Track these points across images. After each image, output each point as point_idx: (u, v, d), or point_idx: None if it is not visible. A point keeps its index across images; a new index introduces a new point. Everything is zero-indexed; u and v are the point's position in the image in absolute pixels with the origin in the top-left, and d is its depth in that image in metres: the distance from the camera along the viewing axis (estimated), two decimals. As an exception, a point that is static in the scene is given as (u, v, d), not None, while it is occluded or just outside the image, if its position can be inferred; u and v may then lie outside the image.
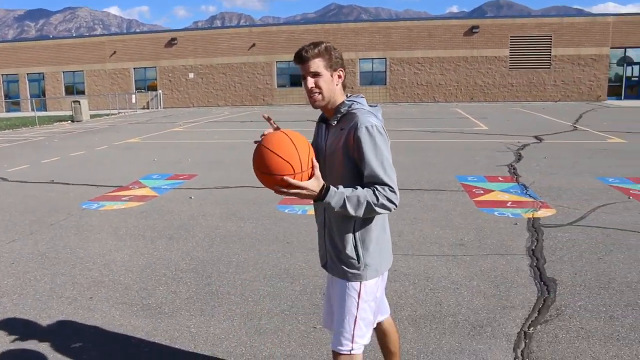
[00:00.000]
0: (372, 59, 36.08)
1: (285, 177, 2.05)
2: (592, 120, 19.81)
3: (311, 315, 3.95)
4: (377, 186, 2.16)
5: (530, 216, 6.62)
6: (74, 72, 39.22)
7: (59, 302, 4.32)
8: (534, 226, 6.17)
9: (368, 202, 2.13)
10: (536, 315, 3.91)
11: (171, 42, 37.00)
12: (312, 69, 2.26)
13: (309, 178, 2.10)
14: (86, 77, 38.88)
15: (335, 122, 2.32)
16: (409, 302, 4.15)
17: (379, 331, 2.78)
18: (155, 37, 38.24)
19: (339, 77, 2.32)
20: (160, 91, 36.95)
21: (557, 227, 6.10)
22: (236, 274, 4.81)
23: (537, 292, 4.30)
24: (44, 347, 3.56)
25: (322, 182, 2.13)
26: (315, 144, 2.47)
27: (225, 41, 36.66)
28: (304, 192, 2.09)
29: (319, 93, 2.28)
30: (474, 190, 8.17)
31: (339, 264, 2.36)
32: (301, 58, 2.27)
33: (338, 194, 2.12)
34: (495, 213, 6.79)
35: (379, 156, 2.17)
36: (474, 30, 34.27)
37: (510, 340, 3.55)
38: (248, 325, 3.80)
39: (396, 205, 2.19)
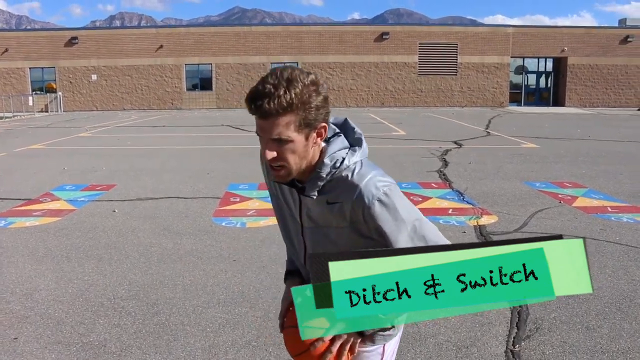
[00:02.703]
0: (284, 63, 35.80)
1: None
2: (501, 126, 20.67)
3: (282, 346, 3.53)
4: None
5: (475, 224, 6.58)
6: (-43, 71, 35.86)
7: (-25, 343, 3.64)
8: (483, 234, 6.12)
9: None
10: (516, 331, 3.76)
11: (72, 42, 34.75)
12: (275, 134, 1.45)
13: None
14: (-27, 77, 35.66)
15: (316, 194, 1.57)
16: (385, 324, 3.86)
17: None
18: (53, 35, 35.75)
19: (319, 135, 1.52)
20: (60, 93, 34.59)
21: (505, 235, 6.08)
22: (185, 300, 4.31)
23: (509, 306, 4.16)
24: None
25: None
26: (279, 207, 1.78)
27: (131, 42, 34.98)
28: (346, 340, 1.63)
29: (283, 168, 1.51)
30: (411, 197, 8.07)
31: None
32: (260, 111, 1.42)
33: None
34: (440, 221, 6.69)
35: (411, 229, 1.56)
36: (384, 37, 34.96)
37: (500, 361, 3.36)
38: (214, 362, 3.35)
39: None
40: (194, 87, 35.98)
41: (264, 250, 5.56)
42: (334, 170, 1.55)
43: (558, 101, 35.80)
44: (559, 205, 7.52)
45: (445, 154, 12.54)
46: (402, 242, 1.54)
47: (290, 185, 1.62)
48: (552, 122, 22.50)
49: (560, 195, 8.14)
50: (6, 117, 28.10)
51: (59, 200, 8.03)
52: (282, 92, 1.38)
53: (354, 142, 1.61)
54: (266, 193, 7.20)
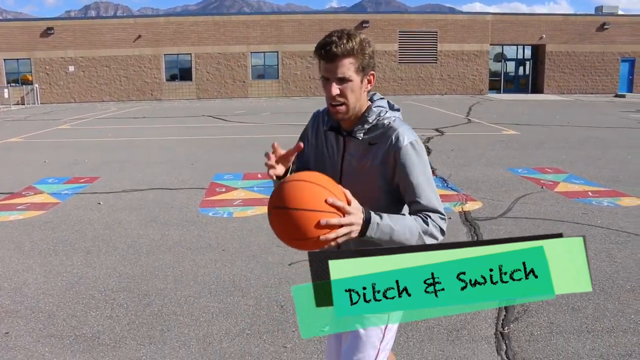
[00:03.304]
0: (264, 52, 35.61)
1: (326, 220, 1.59)
2: (482, 113, 20.85)
3: (276, 333, 3.60)
4: (428, 213, 1.80)
5: (460, 210, 6.67)
6: None
7: (-34, 338, 3.61)
8: (468, 220, 6.21)
9: (419, 234, 1.75)
10: (505, 313, 3.84)
11: (47, 32, 34.08)
12: (340, 73, 1.76)
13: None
14: (-54, 69, 34.86)
15: (362, 135, 1.89)
16: (376, 310, 3.92)
17: None
18: (28, 26, 35.03)
19: (369, 82, 1.87)
20: (36, 85, 33.99)
21: (490, 220, 6.18)
22: (177, 290, 4.32)
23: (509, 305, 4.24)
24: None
25: (361, 207, 1.68)
26: (321, 157, 2.01)
27: (109, 32, 34.43)
28: (354, 220, 1.63)
29: (343, 104, 1.81)
30: (396, 184, 8.14)
31: None
32: (328, 55, 1.74)
33: (382, 226, 1.69)
34: (426, 208, 6.76)
35: (429, 179, 1.84)
36: (364, 25, 34.88)
37: (490, 342, 3.44)
38: (209, 351, 3.37)
39: (444, 234, 1.83)
40: (173, 78, 35.58)
41: (252, 240, 5.58)
42: (378, 118, 1.87)
43: (537, 88, 36.16)
44: (541, 191, 7.65)
45: (428, 142, 12.63)
46: (425, 188, 1.81)
47: (338, 133, 1.94)
48: (531, 109, 22.75)
49: (542, 181, 8.27)
50: (-18, 110, 27.56)
51: (42, 193, 7.94)
52: (345, 41, 1.73)
53: (393, 107, 1.98)
54: (251, 183, 7.24)
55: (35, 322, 3.82)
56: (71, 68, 34.29)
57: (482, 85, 35.39)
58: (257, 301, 4.10)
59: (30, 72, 34.52)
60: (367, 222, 1.67)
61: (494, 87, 36.25)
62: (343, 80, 1.77)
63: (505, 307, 3.92)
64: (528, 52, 36.73)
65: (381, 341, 2.00)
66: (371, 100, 1.97)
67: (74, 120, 20.57)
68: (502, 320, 3.74)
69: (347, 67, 1.76)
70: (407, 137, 1.83)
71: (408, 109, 23.36)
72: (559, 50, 35.28)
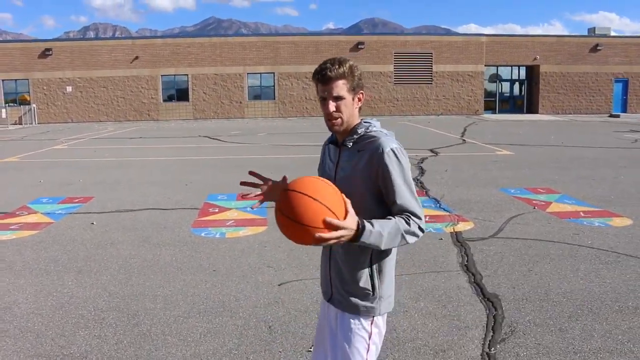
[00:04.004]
0: (261, 73, 35.86)
1: (328, 220, 1.83)
2: (477, 134, 20.98)
3: (263, 353, 3.60)
4: (408, 214, 2.03)
5: (452, 230, 6.70)
6: None
7: (-47, 359, 3.61)
8: (459, 240, 6.24)
9: (402, 234, 1.99)
10: (492, 334, 3.85)
11: (45, 53, 34.33)
12: (334, 92, 2.09)
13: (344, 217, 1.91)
14: (-56, 89, 34.99)
15: (351, 144, 2.16)
16: (364, 330, 3.93)
17: None
18: (26, 47, 35.28)
19: (359, 100, 2.18)
20: (34, 105, 34.12)
21: (481, 241, 6.21)
22: (166, 310, 4.33)
23: (485, 310, 4.27)
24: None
25: (356, 218, 1.93)
26: (325, 169, 2.31)
27: (106, 53, 34.68)
28: (345, 233, 1.88)
29: (339, 118, 2.13)
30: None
31: (349, 297, 2.15)
32: (324, 78, 2.09)
33: (375, 234, 1.93)
34: (418, 228, 6.79)
35: (408, 182, 2.07)
36: (359, 46, 35.22)
37: (476, 364, 3.45)
38: (196, 371, 3.38)
39: (424, 232, 2.07)
40: (170, 98, 35.76)
41: (243, 260, 5.59)
42: (366, 130, 2.14)
43: (532, 108, 36.41)
44: (533, 211, 7.69)
45: (422, 162, 12.70)
46: (404, 190, 2.03)
47: (335, 145, 2.24)
48: (526, 129, 22.91)
49: (534, 201, 8.32)
50: (-21, 130, 27.62)
51: (36, 213, 7.96)
52: (337, 66, 2.07)
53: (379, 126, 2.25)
54: (245, 203, 7.26)
55: (23, 342, 3.82)
56: (69, 88, 34.45)
57: (478, 106, 35.64)
58: (245, 321, 4.11)
59: (28, 92, 34.68)
60: (362, 230, 1.91)
61: (489, 107, 36.51)
62: (338, 99, 2.09)
63: (493, 328, 3.94)
64: (523, 73, 37.06)
65: (367, 350, 2.14)
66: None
67: (71, 140, 20.63)
68: (489, 340, 3.75)
69: (341, 87, 2.08)
70: (390, 144, 2.07)
71: (403, 129, 23.51)
72: (552, 70, 35.62)
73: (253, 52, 35.22)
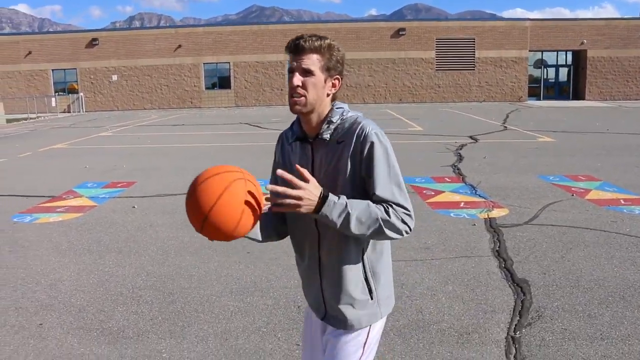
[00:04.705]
0: (302, 60, 35.95)
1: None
2: (519, 120, 20.59)
3: (291, 332, 3.72)
4: (391, 204, 1.78)
5: (486, 216, 6.66)
6: (-16, 73, 36.65)
7: (3, 331, 3.85)
8: (492, 226, 6.21)
9: (378, 222, 1.74)
10: (518, 318, 3.86)
11: (92, 43, 35.33)
12: (304, 64, 1.82)
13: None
14: (-2, 79, 36.44)
15: (329, 136, 1.88)
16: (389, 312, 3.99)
17: None
18: (74, 37, 36.38)
19: (333, 85, 1.90)
20: (81, 94, 35.22)
21: (515, 227, 6.16)
22: (200, 289, 4.50)
23: (513, 295, 4.27)
24: (-6, 385, 3.14)
25: (320, 187, 1.72)
26: (290, 172, 1.84)
27: (150, 42, 35.43)
28: (304, 195, 1.67)
29: (303, 96, 1.83)
30: (424, 191, 8.18)
31: (347, 311, 1.94)
32: (296, 47, 1.83)
33: (339, 205, 1.71)
34: (452, 214, 6.79)
35: (393, 171, 1.82)
36: (400, 33, 34.89)
37: (500, 345, 3.48)
38: (225, 347, 3.52)
39: (410, 230, 1.80)
40: (212, 86, 36.33)
41: (276, 243, 5.69)
42: (341, 117, 1.89)
43: (578, 95, 35.40)
44: (571, 198, 7.56)
45: (461, 149, 12.59)
46: (385, 179, 1.80)
47: (304, 141, 1.94)
48: (570, 116, 22.33)
49: (573, 188, 8.17)
50: (30, 118, 28.72)
51: (81, 197, 8.30)
52: (314, 39, 1.83)
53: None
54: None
55: (67, 316, 4.05)
56: (114, 77, 35.38)
57: (521, 92, 34.88)
58: (275, 301, 4.24)
59: (76, 81, 35.79)
60: (323, 199, 1.70)
61: (534, 93, 35.67)
62: (307, 73, 1.82)
63: (520, 313, 3.95)
64: (569, 58, 36.02)
65: (365, 340, 1.98)
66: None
67: (116, 128, 21.24)
68: (515, 325, 3.77)
69: (313, 61, 1.82)
70: (372, 130, 1.82)
71: (444, 116, 23.26)
72: (601, 55, 34.48)
73: (294, 40, 35.29)
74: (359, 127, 1.83)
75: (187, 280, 4.72)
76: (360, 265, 1.90)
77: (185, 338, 3.64)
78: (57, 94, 35.07)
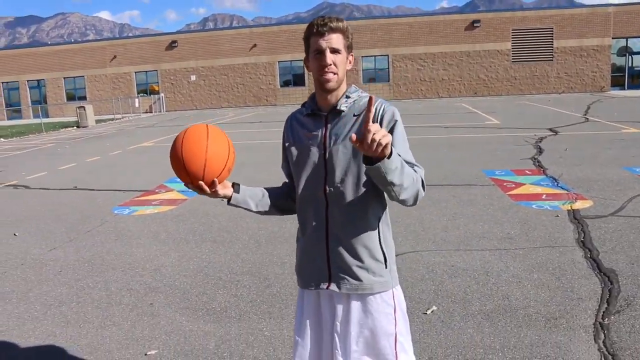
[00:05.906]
0: (375, 56, 36.05)
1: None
2: (601, 111, 19.82)
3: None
4: (413, 164, 1.94)
5: (569, 208, 6.61)
6: (74, 77, 39.13)
7: (119, 309, 4.30)
8: (576, 218, 6.16)
9: (413, 179, 1.85)
10: (606, 306, 3.90)
11: (172, 45, 36.93)
12: (334, 44, 1.95)
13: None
14: (87, 82, 38.79)
15: (346, 108, 2.01)
16: (476, 297, 4.14)
17: None
18: (155, 41, 38.15)
19: (349, 62, 2.06)
20: (162, 94, 36.90)
21: (600, 218, 6.09)
22: (293, 275, 4.78)
23: (600, 283, 4.29)
24: (129, 356, 3.54)
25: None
26: (303, 148, 2.08)
27: (226, 42, 36.61)
28: (388, 140, 1.66)
29: (335, 73, 1.96)
30: (504, 184, 8.16)
31: (361, 275, 2.01)
32: (326, 28, 1.94)
33: (396, 156, 1.75)
34: (534, 206, 6.78)
35: (406, 144, 2.00)
36: (475, 25, 34.27)
37: (588, 331, 3.54)
38: (321, 326, 3.78)
39: (424, 191, 1.94)
40: (286, 84, 37.06)
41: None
42: (358, 93, 2.06)
43: (667, 83, 33.54)
44: (660, 190, 7.34)
45: (540, 142, 12.35)
46: (402, 143, 1.97)
47: (313, 116, 2.08)
48: (659, 106, 21.24)
49: (662, 180, 7.91)
50: (116, 118, 30.43)
51: (172, 190, 8.85)
52: (336, 20, 1.98)
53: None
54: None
55: (173, 297, 4.45)
56: (193, 77, 36.82)
57: (604, 82, 33.41)
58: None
59: (157, 82, 37.50)
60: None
61: (618, 83, 34.05)
62: (335, 52, 1.95)
63: (607, 301, 3.98)
64: (657, 45, 34.13)
65: (395, 325, 2.05)
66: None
67: (196, 126, 22.11)
68: (603, 311, 3.81)
69: (339, 41, 1.96)
70: (388, 105, 2.00)
71: (521, 109, 22.70)
72: (692, 41, 32.47)
73: (367, 35, 35.45)
74: (377, 102, 1.97)
75: (280, 267, 5.03)
76: (376, 232, 2.02)
77: (284, 319, 3.93)
78: (139, 95, 36.91)
